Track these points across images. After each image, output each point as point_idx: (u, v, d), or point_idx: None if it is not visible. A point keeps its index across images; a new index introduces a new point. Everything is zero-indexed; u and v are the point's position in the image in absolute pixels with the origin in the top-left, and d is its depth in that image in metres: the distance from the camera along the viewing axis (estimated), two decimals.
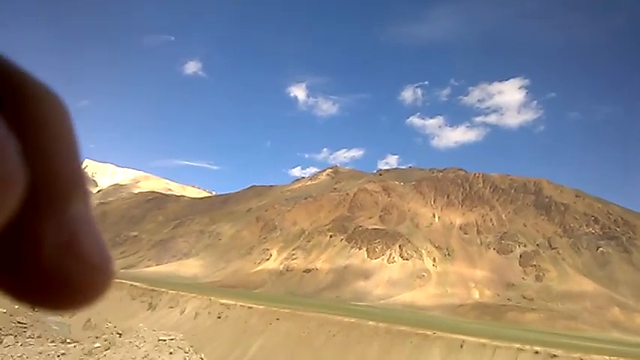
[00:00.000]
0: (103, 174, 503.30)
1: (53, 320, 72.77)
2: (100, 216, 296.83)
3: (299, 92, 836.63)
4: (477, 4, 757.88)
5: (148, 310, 59.98)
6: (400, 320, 48.97)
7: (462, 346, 33.98)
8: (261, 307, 48.95)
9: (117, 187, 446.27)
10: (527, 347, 32.73)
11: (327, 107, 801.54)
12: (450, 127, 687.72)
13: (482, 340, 34.42)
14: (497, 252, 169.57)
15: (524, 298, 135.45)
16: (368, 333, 38.90)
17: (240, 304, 50.33)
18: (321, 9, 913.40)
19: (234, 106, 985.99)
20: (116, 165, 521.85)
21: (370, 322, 40.77)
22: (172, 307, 57.37)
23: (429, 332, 37.01)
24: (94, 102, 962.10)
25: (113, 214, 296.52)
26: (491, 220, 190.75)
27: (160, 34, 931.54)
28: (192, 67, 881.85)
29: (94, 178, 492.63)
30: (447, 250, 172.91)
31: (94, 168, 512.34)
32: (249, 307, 48.90)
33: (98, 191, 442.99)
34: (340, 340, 38.95)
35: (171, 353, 33.23)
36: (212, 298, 55.54)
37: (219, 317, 49.19)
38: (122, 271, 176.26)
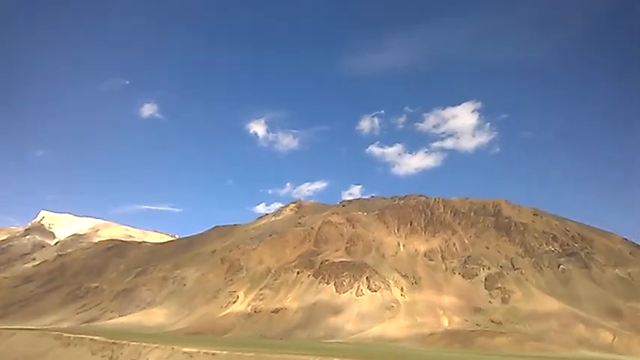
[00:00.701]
0: (61, 225, 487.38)
1: None
2: (58, 268, 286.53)
3: (258, 128, 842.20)
4: (428, 30, 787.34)
5: None
6: (370, 355, 48.76)
7: None
8: (225, 352, 48.04)
9: (75, 238, 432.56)
10: None
11: (287, 141, 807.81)
12: (409, 153, 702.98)
13: None
14: (463, 276, 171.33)
15: (492, 322, 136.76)
16: None
17: (204, 351, 49.27)
18: (276, 43, 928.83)
19: (194, 146, 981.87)
20: (74, 214, 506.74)
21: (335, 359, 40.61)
22: None
23: None
24: (50, 151, 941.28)
25: (73, 265, 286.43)
26: (454, 244, 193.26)
27: (114, 79, 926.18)
28: (148, 109, 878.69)
29: (51, 230, 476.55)
30: (414, 278, 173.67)
31: (52, 219, 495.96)
32: (213, 354, 47.90)
33: (56, 243, 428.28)
34: None
35: None
36: (175, 347, 54.18)
37: None
38: (84, 325, 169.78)
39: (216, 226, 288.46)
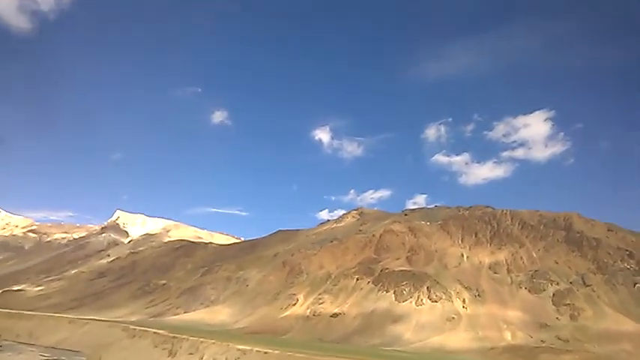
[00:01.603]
0: (134, 224, 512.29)
1: None
2: (130, 265, 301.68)
3: (323, 135, 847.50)
4: (498, 38, 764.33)
5: (168, 357, 60.50)
6: None
7: None
8: (277, 351, 49.03)
9: (147, 237, 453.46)
10: None
11: (351, 149, 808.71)
12: (477, 163, 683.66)
13: None
14: (529, 291, 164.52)
15: (558, 339, 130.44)
16: None
17: (257, 349, 50.51)
18: (342, 51, 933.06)
19: (261, 152, 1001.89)
20: (147, 215, 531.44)
21: None
22: (192, 354, 57.82)
23: None
24: (126, 155, 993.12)
25: (143, 262, 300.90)
26: (521, 258, 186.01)
27: (187, 87, 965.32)
28: (219, 116, 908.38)
29: (125, 229, 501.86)
30: (477, 290, 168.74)
31: (126, 218, 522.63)
32: (265, 352, 49.04)
33: (129, 241, 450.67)
34: None
35: None
36: (230, 344, 55.85)
37: None
38: (151, 319, 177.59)
39: (279, 230, 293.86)
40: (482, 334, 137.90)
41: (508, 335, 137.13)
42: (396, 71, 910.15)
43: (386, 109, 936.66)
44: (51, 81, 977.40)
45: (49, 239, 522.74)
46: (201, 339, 61.86)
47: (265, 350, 50.32)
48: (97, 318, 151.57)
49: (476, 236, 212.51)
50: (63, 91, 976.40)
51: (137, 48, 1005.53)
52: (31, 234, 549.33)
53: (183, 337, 65.77)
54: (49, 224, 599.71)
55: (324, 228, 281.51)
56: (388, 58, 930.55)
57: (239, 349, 52.31)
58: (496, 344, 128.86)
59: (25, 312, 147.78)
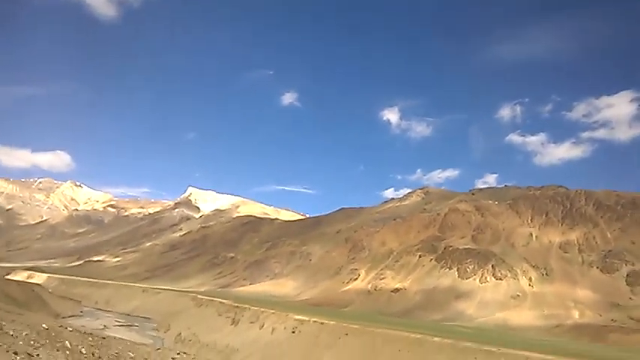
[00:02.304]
0: (205, 200, 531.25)
1: (150, 334, 78.85)
2: (200, 239, 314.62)
3: (392, 116, 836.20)
4: (579, 18, 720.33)
5: (231, 325, 63.44)
6: (487, 340, 47.57)
7: None
8: (332, 322, 50.24)
9: (217, 212, 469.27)
10: None
11: (420, 129, 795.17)
12: (554, 143, 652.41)
13: (549, 357, 33.25)
14: (602, 271, 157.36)
15: (630, 319, 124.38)
16: (432, 349, 38.76)
17: (314, 319, 51.99)
18: (414, 31, 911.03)
19: (329, 133, 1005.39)
20: (217, 192, 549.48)
21: (435, 339, 40.61)
22: (253, 323, 60.30)
23: (493, 349, 36.27)
24: (199, 134, 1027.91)
25: (213, 237, 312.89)
26: (594, 238, 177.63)
27: (259, 69, 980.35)
28: (288, 98, 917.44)
29: (196, 205, 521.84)
30: (545, 269, 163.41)
31: (198, 195, 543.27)
32: (321, 323, 50.36)
33: (200, 216, 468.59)
34: (405, 355, 39.11)
35: None
36: (289, 314, 57.72)
37: (293, 332, 51.16)
38: (219, 290, 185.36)
39: (342, 208, 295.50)
40: (548, 313, 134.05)
41: (576, 314, 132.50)
42: (470, 51, 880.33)
43: (458, 90, 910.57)
44: (132, 65, 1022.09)
45: (126, 214, 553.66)
46: (262, 309, 64.26)
47: (322, 321, 51.70)
48: (168, 288, 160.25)
49: (546, 216, 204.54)
50: (143, 74, 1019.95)
51: (212, 33, 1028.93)
52: (110, 208, 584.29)
53: (245, 306, 68.53)
54: (127, 199, 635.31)
55: (388, 206, 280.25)
56: (462, 37, 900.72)
57: (296, 319, 54.05)
58: (562, 322, 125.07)
59: (103, 281, 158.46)
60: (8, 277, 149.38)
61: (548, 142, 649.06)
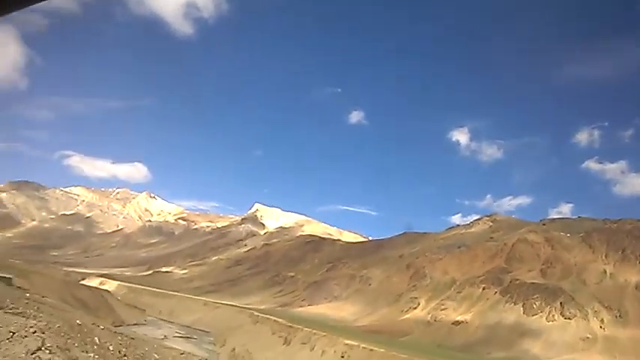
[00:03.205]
0: (271, 217, 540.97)
1: (206, 347, 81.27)
2: (263, 256, 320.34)
3: (461, 137, 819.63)
4: None
5: (283, 344, 64.38)
6: None
7: None
8: (382, 350, 50.00)
9: (281, 230, 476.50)
10: None
11: (491, 152, 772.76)
12: (635, 172, 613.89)
13: None
14: None
15: None
16: None
17: (363, 346, 51.95)
18: (486, 49, 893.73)
19: (396, 153, 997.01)
20: (282, 209, 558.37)
21: None
22: (304, 343, 60.97)
23: None
24: (267, 151, 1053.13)
25: (275, 254, 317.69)
26: None
27: (328, 87, 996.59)
28: (356, 116, 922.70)
29: (262, 221, 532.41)
30: (619, 311, 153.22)
31: (264, 211, 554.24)
32: (371, 350, 50.27)
33: (265, 233, 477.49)
34: None
35: None
36: (340, 338, 57.92)
37: (342, 357, 51.28)
38: (278, 308, 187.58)
39: (405, 232, 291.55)
40: (620, 359, 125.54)
41: None
42: (546, 70, 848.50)
43: (532, 111, 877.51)
44: (205, 81, 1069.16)
45: (195, 227, 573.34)
46: (314, 331, 64.82)
47: (371, 348, 51.58)
48: (229, 303, 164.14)
49: (623, 252, 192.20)
50: (215, 90, 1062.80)
51: (281, 50, 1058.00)
52: (181, 221, 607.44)
53: (299, 327, 69.38)
54: (197, 213, 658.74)
55: (453, 233, 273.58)
56: (537, 55, 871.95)
57: (346, 344, 54.22)
58: None
59: (169, 292, 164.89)
60: (83, 282, 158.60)
61: (629, 170, 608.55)
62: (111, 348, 27.15)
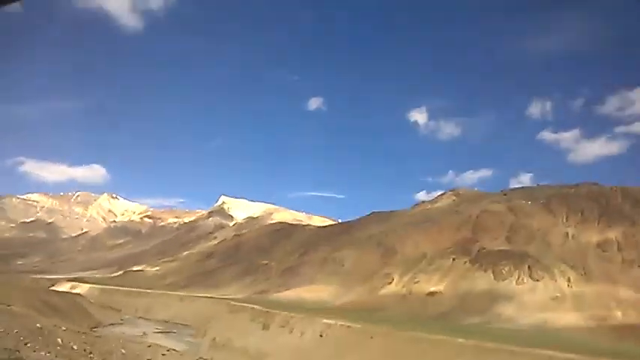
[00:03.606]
0: (238, 208, 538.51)
1: (186, 340, 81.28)
2: (235, 246, 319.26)
3: (419, 117, 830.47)
4: (611, 3, 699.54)
5: (263, 329, 65.07)
6: (528, 342, 47.10)
7: None
8: (359, 325, 51.22)
9: (250, 220, 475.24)
10: None
11: (449, 130, 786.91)
12: (588, 139, 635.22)
13: (571, 355, 33.43)
14: None
15: None
16: (456, 350, 39.24)
17: (340, 323, 53.06)
18: (436, 28, 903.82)
19: (356, 137, 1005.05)
20: (249, 200, 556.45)
21: (459, 340, 41.08)
22: (283, 327, 61.80)
23: (516, 348, 36.57)
24: (226, 142, 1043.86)
25: (247, 244, 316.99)
26: (633, 235, 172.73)
27: (284, 74, 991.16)
28: (314, 102, 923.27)
29: (230, 213, 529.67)
30: (584, 269, 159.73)
31: (231, 203, 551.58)
32: (348, 327, 51.41)
33: (234, 224, 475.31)
34: (428, 357, 39.73)
35: None
36: (317, 318, 58.92)
37: (320, 335, 52.30)
38: (254, 296, 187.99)
39: (373, 212, 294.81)
40: (588, 313, 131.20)
41: (619, 314, 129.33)
42: (497, 46, 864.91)
43: (486, 87, 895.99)
44: (157, 75, 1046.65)
45: (162, 224, 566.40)
46: (292, 314, 65.67)
47: (348, 324, 52.73)
48: (205, 295, 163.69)
49: (582, 214, 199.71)
50: (169, 83, 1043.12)
51: (235, 39, 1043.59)
52: (146, 219, 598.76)
53: (276, 312, 70.14)
54: (162, 210, 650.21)
55: (420, 209, 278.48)
56: (487, 32, 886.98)
57: (324, 323, 55.27)
58: (604, 323, 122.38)
59: (143, 290, 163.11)
60: (53, 288, 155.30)
61: (581, 138, 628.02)
62: (75, 347, 27.21)
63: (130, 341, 40.80)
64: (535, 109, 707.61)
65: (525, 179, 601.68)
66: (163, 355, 37.71)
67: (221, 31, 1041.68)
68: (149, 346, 41.75)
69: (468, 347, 39.85)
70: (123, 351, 31.73)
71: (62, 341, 27.40)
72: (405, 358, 41.29)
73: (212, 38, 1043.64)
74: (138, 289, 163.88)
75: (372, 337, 47.12)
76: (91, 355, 27.04)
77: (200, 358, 42.51)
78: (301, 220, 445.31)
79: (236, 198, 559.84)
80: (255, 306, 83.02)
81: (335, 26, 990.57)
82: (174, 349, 43.91)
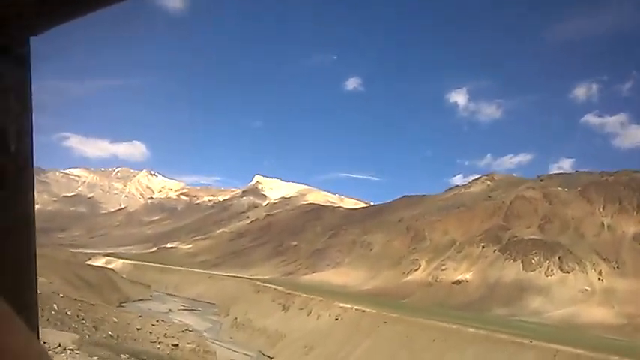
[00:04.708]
0: (271, 189, 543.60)
1: (210, 318, 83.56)
2: (266, 226, 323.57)
3: (459, 98, 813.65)
4: None
5: (282, 310, 66.45)
6: (552, 338, 46.35)
7: (555, 356, 33.10)
8: (374, 311, 51.79)
9: (283, 200, 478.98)
10: None
11: (490, 111, 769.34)
12: (636, 124, 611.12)
13: (578, 351, 33.16)
14: None
15: None
16: (466, 339, 39.39)
17: (356, 307, 53.78)
18: (479, 9, 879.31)
19: (394, 118, 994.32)
20: (283, 180, 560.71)
21: (470, 329, 41.17)
22: (302, 309, 62.94)
23: (525, 341, 36.47)
24: (265, 123, 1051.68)
25: (278, 224, 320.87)
26: None
27: (323, 54, 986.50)
28: (352, 82, 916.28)
29: (263, 193, 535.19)
30: (617, 262, 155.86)
31: (265, 183, 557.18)
32: (363, 311, 52.06)
33: (266, 204, 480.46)
34: (438, 344, 40.04)
35: None
36: (336, 302, 59.78)
37: (336, 319, 53.16)
38: (283, 277, 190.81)
39: (405, 196, 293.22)
40: (617, 309, 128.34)
41: None
42: (541, 26, 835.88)
43: (529, 69, 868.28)
44: (199, 56, 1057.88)
45: (198, 202, 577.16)
46: (312, 296, 66.72)
47: (363, 309, 53.36)
48: (233, 274, 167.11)
49: (620, 204, 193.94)
50: (209, 64, 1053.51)
51: (278, 18, 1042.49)
52: (183, 197, 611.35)
53: (297, 293, 71.31)
54: (198, 188, 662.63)
55: (452, 194, 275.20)
56: (532, 12, 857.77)
57: (340, 307, 56.04)
58: (633, 320, 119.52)
59: (173, 267, 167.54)
60: (89, 262, 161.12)
61: (628, 122, 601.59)
62: (69, 313, 28.68)
63: (122, 311, 42.67)
64: (580, 92, 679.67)
65: (567, 165, 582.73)
66: (153, 325, 39.33)
67: (260, 14, 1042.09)
68: (139, 316, 43.47)
69: (478, 337, 39.94)
70: (115, 319, 33.35)
71: (57, 307, 29.11)
72: (414, 344, 41.74)
73: (251, 18, 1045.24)
74: (170, 266, 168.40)
75: (385, 323, 47.65)
76: (83, 321, 28.69)
77: (186, 328, 43.80)
78: (333, 202, 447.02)
79: (270, 178, 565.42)
80: (278, 287, 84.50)
81: (375, 6, 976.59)
82: (162, 320, 45.52)
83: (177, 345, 36.85)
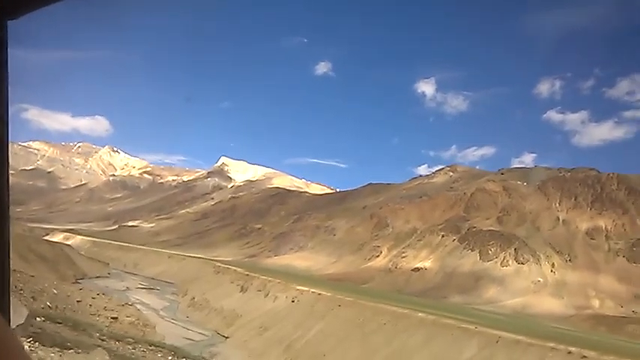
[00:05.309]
0: (237, 171, 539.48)
1: (167, 297, 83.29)
2: (230, 209, 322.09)
3: (427, 88, 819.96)
4: None
5: (240, 291, 66.88)
6: (502, 326, 47.68)
7: (497, 342, 34.65)
8: (329, 294, 52.79)
9: (248, 183, 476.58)
10: (562, 347, 32.60)
11: (457, 103, 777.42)
12: (595, 122, 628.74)
13: (519, 337, 34.79)
14: (628, 260, 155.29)
15: None
16: (415, 323, 40.79)
17: (312, 290, 54.74)
18: (453, 2, 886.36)
19: (363, 105, 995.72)
20: (249, 162, 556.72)
21: (420, 314, 42.61)
22: (260, 290, 63.54)
23: (471, 326, 38.00)
24: (233, 103, 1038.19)
25: (242, 207, 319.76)
26: (623, 225, 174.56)
27: (293, 37, 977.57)
28: (323, 67, 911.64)
29: (229, 174, 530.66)
30: (569, 255, 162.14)
31: (230, 165, 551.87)
32: (319, 294, 53.01)
33: (232, 186, 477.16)
34: (388, 327, 41.33)
35: None
36: (293, 285, 60.55)
37: (292, 301, 54.01)
38: (246, 260, 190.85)
39: (369, 184, 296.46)
40: (567, 300, 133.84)
41: (596, 303, 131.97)
42: (511, 21, 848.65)
43: (497, 63, 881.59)
44: (169, 32, 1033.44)
45: (161, 181, 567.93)
46: (270, 278, 67.31)
47: (319, 292, 54.32)
48: (195, 255, 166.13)
49: (575, 199, 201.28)
50: (180, 42, 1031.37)
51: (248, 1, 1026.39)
52: (146, 175, 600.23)
53: (255, 275, 71.81)
54: (162, 167, 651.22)
55: (416, 183, 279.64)
56: (503, 5, 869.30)
57: (297, 289, 56.88)
58: (581, 311, 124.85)
59: (134, 245, 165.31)
60: (46, 237, 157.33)
61: (589, 120, 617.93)
62: None
63: (63, 283, 42.43)
64: (544, 88, 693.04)
65: (528, 159, 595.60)
66: (93, 298, 39.35)
67: None
68: (80, 289, 43.39)
69: (426, 321, 41.35)
70: (55, 291, 33.23)
71: None
72: (365, 327, 42.93)
73: (224, 2, 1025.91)
74: (130, 245, 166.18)
75: (339, 306, 48.69)
76: (22, 292, 28.55)
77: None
78: (299, 187, 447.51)
79: (236, 160, 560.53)
80: (238, 269, 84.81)
81: None
82: (103, 294, 45.55)
83: (116, 318, 37.01)
